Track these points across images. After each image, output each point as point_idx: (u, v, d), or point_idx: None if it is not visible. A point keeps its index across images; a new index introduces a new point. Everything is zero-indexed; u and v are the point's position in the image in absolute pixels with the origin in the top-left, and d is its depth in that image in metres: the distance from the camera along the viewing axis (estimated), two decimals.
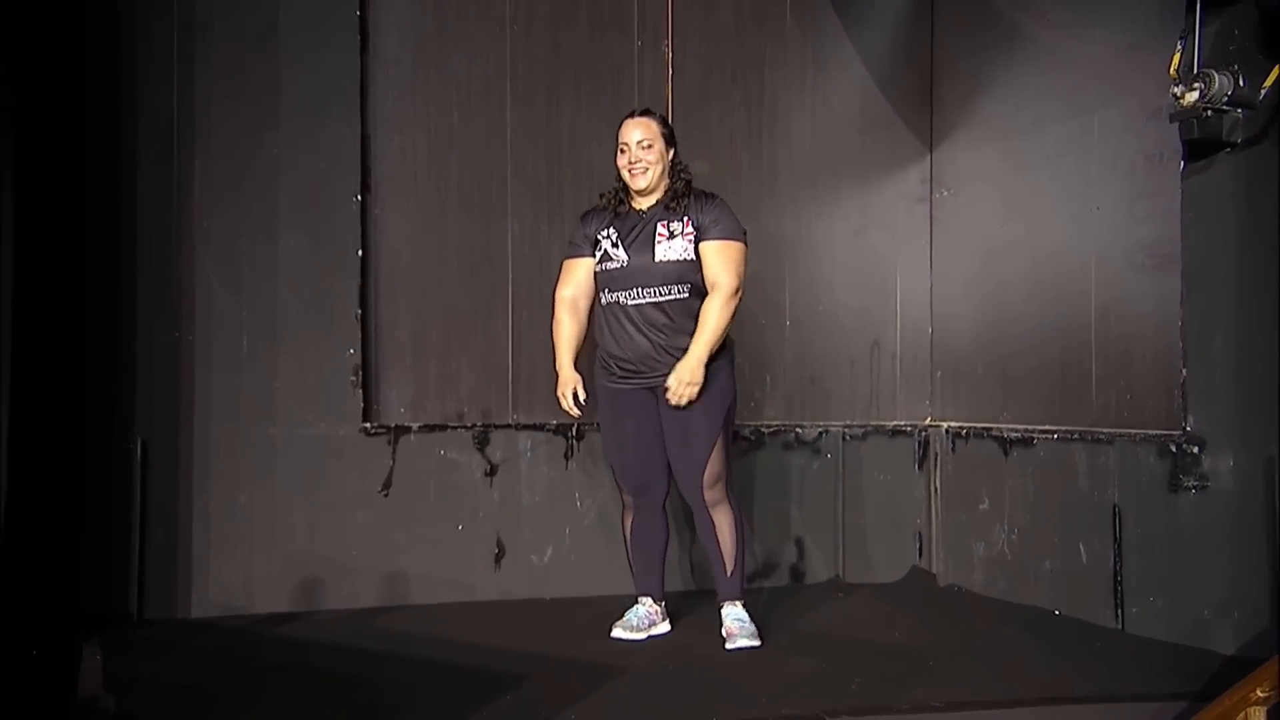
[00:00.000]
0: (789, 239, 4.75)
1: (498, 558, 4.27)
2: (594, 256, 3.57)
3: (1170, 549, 3.54)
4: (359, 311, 4.13)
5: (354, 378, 4.12)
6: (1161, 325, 3.68)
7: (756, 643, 3.47)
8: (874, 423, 4.76)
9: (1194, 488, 3.44)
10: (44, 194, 3.36)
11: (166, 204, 3.95)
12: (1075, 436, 3.94)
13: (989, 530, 4.33)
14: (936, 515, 4.65)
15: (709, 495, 3.51)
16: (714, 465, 3.49)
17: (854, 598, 4.38)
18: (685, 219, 3.49)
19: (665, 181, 3.56)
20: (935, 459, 4.68)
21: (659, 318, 3.46)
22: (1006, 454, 4.24)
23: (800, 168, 4.81)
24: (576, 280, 3.63)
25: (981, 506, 4.38)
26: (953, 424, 4.64)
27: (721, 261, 3.45)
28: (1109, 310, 3.94)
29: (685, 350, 3.43)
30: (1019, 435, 4.21)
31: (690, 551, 4.44)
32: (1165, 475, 3.54)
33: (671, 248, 3.46)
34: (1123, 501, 3.72)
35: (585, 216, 3.68)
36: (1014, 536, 4.21)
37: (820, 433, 4.67)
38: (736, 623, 3.53)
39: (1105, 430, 3.86)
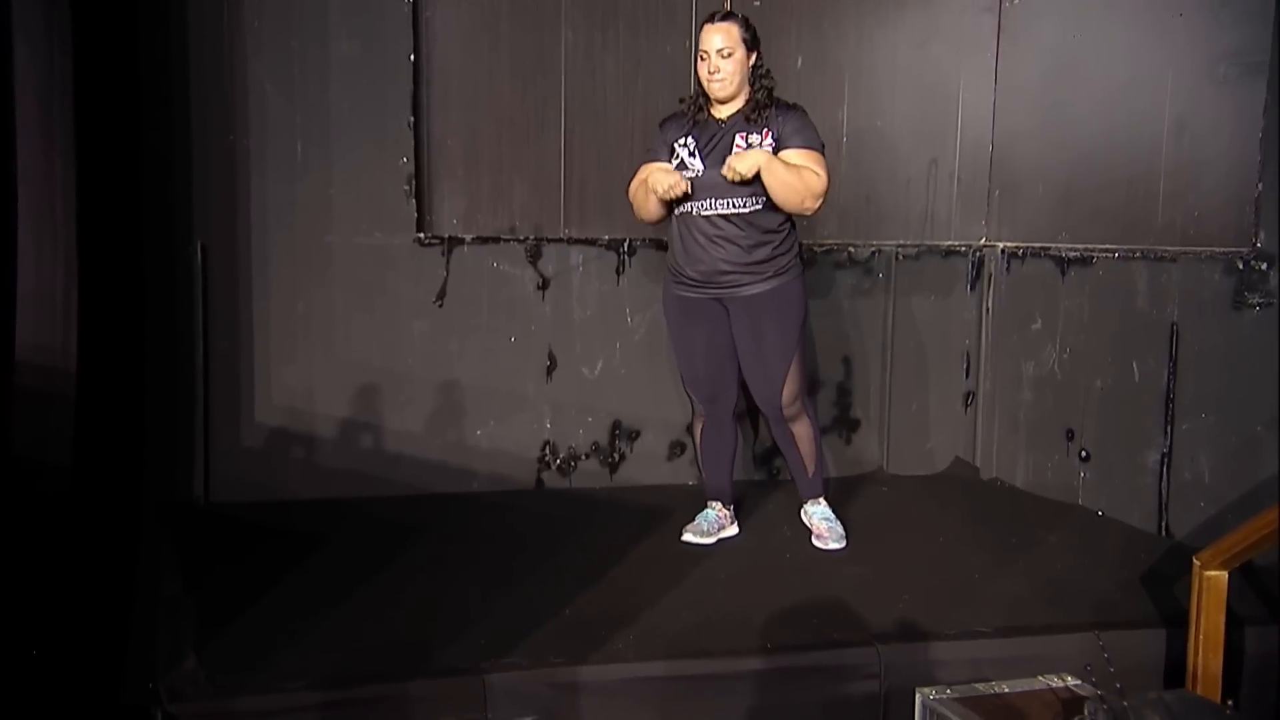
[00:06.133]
0: (849, 52, 4.59)
1: (549, 370, 4.34)
2: (670, 163, 3.48)
3: (1227, 366, 3.52)
4: (411, 119, 4.08)
5: (407, 187, 4.11)
6: (1239, 139, 3.56)
7: (843, 545, 3.59)
8: (928, 243, 4.71)
9: (1258, 305, 3.40)
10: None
11: (217, 4, 3.86)
12: (1137, 255, 3.88)
13: (1040, 350, 4.33)
14: (986, 335, 4.65)
15: (787, 411, 3.56)
16: (791, 383, 3.52)
17: (897, 493, 4.38)
18: (765, 130, 3.39)
19: (746, 89, 3.43)
20: (989, 279, 4.64)
21: (731, 229, 3.40)
22: (1064, 274, 4.20)
23: None
24: None
25: (1034, 326, 4.36)
26: (1009, 244, 4.58)
27: (806, 160, 3.35)
28: (1183, 124, 3.81)
29: (755, 264, 3.40)
30: (1077, 255, 4.15)
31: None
32: (1229, 293, 3.49)
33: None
34: (1182, 320, 3.68)
35: (664, 123, 3.57)
36: (1065, 356, 4.21)
37: (873, 252, 4.63)
38: (825, 523, 3.65)
39: (1169, 248, 3.79)
